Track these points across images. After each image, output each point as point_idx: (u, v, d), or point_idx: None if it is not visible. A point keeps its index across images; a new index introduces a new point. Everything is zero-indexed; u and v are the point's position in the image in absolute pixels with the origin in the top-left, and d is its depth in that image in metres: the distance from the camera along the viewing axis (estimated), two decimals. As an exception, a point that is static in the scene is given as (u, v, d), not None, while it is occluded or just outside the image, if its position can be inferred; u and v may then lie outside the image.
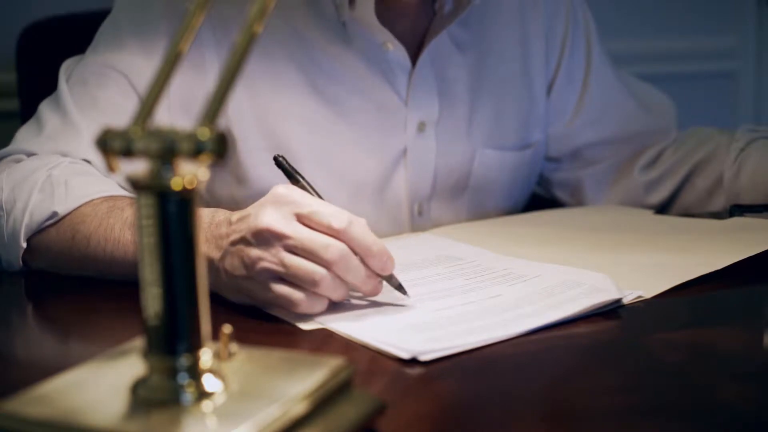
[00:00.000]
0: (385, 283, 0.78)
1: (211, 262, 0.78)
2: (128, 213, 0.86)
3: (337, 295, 0.75)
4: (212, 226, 0.79)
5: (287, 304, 0.75)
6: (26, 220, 0.89)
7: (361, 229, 0.75)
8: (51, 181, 0.90)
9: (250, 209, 0.77)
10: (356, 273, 0.75)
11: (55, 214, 0.88)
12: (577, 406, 0.60)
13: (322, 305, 0.76)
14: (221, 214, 0.80)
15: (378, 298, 0.79)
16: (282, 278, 0.74)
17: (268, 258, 0.74)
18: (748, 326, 0.74)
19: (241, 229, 0.76)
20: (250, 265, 0.75)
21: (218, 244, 0.78)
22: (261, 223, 0.74)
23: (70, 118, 0.98)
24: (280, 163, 0.83)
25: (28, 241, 0.90)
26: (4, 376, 0.67)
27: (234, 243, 0.76)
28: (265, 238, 0.74)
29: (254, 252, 0.74)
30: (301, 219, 0.75)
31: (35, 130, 0.99)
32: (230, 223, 0.77)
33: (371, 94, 1.06)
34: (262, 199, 0.76)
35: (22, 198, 0.90)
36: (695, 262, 0.85)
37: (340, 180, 1.05)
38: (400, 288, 0.79)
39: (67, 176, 0.91)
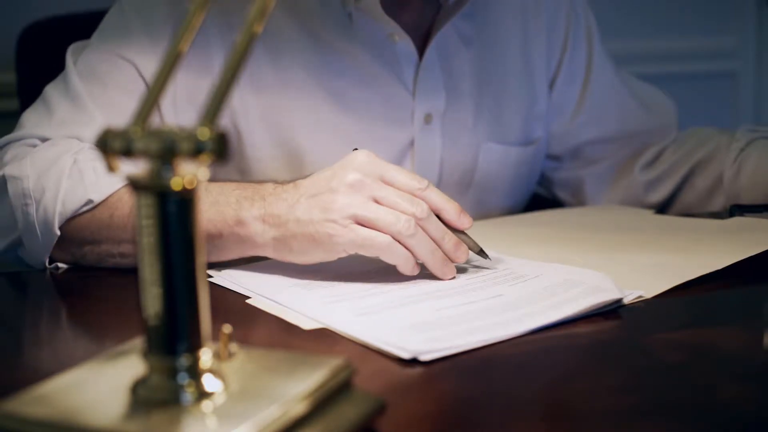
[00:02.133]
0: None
1: (274, 218, 0.82)
2: None
3: (419, 248, 0.81)
4: (258, 189, 0.85)
5: (373, 245, 0.80)
6: (59, 207, 0.89)
7: (436, 190, 0.83)
8: (79, 168, 0.90)
9: (326, 170, 0.83)
10: (436, 227, 0.82)
11: (90, 201, 0.89)
12: (577, 406, 0.60)
13: (405, 255, 0.81)
14: (267, 183, 0.86)
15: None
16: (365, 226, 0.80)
17: (357, 204, 0.80)
18: (748, 326, 0.74)
19: (321, 185, 0.82)
20: (337, 209, 0.80)
21: (283, 198, 0.83)
22: (352, 179, 0.81)
23: (81, 102, 0.98)
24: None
25: (60, 228, 0.89)
26: (4, 376, 0.67)
27: (313, 195, 0.81)
28: (354, 188, 0.80)
29: (341, 199, 0.80)
30: (384, 179, 0.82)
31: (45, 113, 0.99)
32: (295, 186, 0.84)
33: (378, 87, 1.07)
34: (343, 161, 0.83)
35: (50, 186, 0.89)
36: (695, 262, 0.85)
37: None
38: (481, 252, 0.85)
39: (94, 162, 0.91)
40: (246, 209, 0.84)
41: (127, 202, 0.89)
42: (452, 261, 0.84)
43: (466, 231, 0.85)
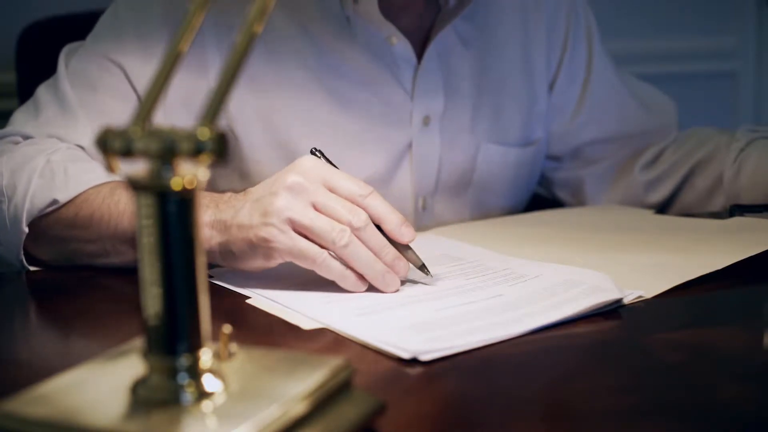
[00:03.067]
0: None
1: (221, 224, 0.81)
2: None
3: (354, 259, 0.78)
4: (215, 197, 0.84)
5: (306, 256, 0.78)
6: (27, 205, 0.90)
7: (379, 199, 0.81)
8: (51, 167, 0.91)
9: (273, 176, 0.81)
10: (374, 238, 0.79)
11: (55, 201, 0.90)
12: (577, 406, 0.60)
13: (339, 271, 0.79)
14: (227, 192, 0.85)
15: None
16: (303, 235, 0.78)
17: (295, 208, 0.78)
18: (748, 326, 0.74)
19: (263, 189, 0.80)
20: (274, 212, 0.78)
21: (232, 204, 0.82)
22: (291, 181, 0.79)
23: (68, 104, 0.99)
24: (315, 155, 0.85)
25: (30, 227, 0.91)
26: (4, 376, 0.67)
27: (256, 200, 0.80)
28: (293, 191, 0.78)
29: (279, 202, 0.78)
30: (328, 185, 0.79)
31: (33, 112, 1.00)
32: (245, 193, 0.82)
33: (376, 89, 1.07)
34: (288, 167, 0.81)
35: (22, 183, 0.91)
36: (695, 262, 0.85)
37: None
38: (422, 268, 0.82)
39: (66, 163, 0.92)
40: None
41: (92, 202, 0.89)
42: None
43: (409, 244, 0.82)
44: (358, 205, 0.80)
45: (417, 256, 0.83)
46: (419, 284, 0.82)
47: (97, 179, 0.90)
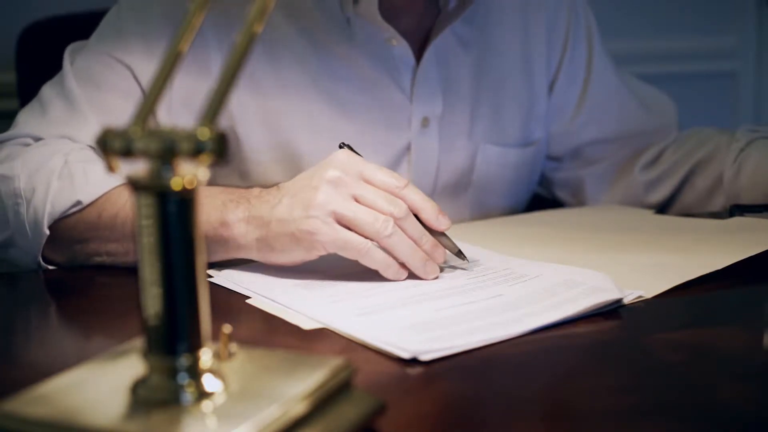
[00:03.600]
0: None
1: (257, 220, 0.83)
2: None
3: (398, 248, 0.81)
4: (243, 193, 0.85)
5: (351, 247, 0.80)
6: (48, 208, 0.90)
7: (415, 189, 0.83)
8: (69, 169, 0.91)
9: (308, 170, 0.84)
10: (414, 227, 0.82)
11: (79, 202, 0.90)
12: (577, 406, 0.60)
13: (384, 260, 0.81)
14: (254, 188, 0.87)
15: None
16: (345, 227, 0.80)
17: (337, 201, 0.80)
18: (748, 326, 0.74)
19: (301, 183, 0.82)
20: (317, 205, 0.80)
21: (266, 200, 0.83)
22: (331, 174, 0.81)
23: (76, 103, 0.98)
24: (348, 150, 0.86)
25: (50, 228, 0.90)
26: (4, 376, 0.67)
27: (294, 194, 0.82)
28: (334, 185, 0.80)
29: (321, 195, 0.80)
30: (364, 177, 0.82)
31: (39, 112, 0.99)
32: (278, 188, 0.84)
33: (375, 91, 1.07)
34: (324, 161, 0.83)
35: (41, 186, 0.90)
36: (695, 262, 0.85)
37: None
38: (459, 254, 0.85)
39: (85, 164, 0.92)
40: (231, 211, 0.84)
41: (114, 203, 0.90)
42: None
43: (445, 232, 0.85)
44: (396, 196, 0.82)
45: (453, 243, 0.85)
46: (419, 284, 0.82)
47: (119, 180, 0.90)
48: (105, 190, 0.90)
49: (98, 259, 0.92)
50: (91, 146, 0.96)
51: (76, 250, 0.92)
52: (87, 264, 0.93)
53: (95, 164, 0.92)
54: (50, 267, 0.93)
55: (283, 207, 0.82)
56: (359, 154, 0.86)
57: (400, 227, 0.81)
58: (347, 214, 0.80)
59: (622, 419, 0.57)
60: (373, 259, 0.81)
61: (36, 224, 0.90)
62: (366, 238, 0.81)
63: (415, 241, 0.82)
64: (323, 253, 0.82)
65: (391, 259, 0.82)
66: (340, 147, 0.86)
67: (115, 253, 0.91)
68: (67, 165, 0.91)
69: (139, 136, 0.48)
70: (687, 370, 0.65)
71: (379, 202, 0.81)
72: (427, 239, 0.83)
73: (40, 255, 0.92)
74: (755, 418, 0.57)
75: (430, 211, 0.83)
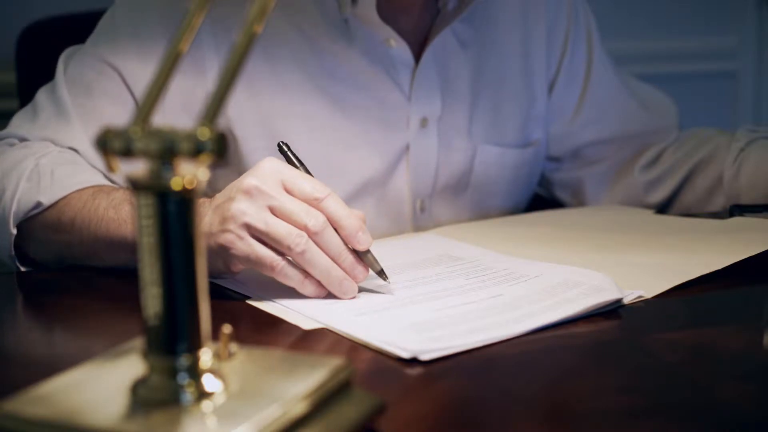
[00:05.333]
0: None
1: None
2: (114, 195, 0.89)
3: (311, 265, 0.76)
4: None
5: (264, 264, 0.76)
6: (14, 207, 0.92)
7: (337, 201, 0.78)
8: (38, 171, 0.92)
9: (234, 181, 0.79)
10: (332, 242, 0.77)
11: (39, 204, 0.91)
12: (577, 406, 0.60)
13: (297, 278, 0.77)
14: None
15: (361, 285, 0.80)
16: (261, 240, 0.76)
17: (251, 212, 0.76)
18: (748, 326, 0.74)
19: (223, 194, 0.78)
20: (231, 217, 0.76)
21: (202, 212, 0.79)
22: (248, 184, 0.76)
23: (63, 107, 1.00)
24: (283, 150, 0.83)
25: (20, 227, 0.92)
26: (4, 376, 0.67)
27: (216, 206, 0.78)
28: (249, 195, 0.76)
29: (235, 206, 0.76)
30: (285, 186, 0.77)
31: (30, 116, 1.02)
32: (211, 199, 0.80)
33: (374, 91, 1.07)
34: (251, 169, 0.79)
35: (11, 186, 0.92)
36: (695, 262, 0.85)
37: (343, 177, 1.06)
38: (381, 273, 0.79)
39: (54, 166, 0.93)
40: None
41: (73, 206, 0.90)
42: None
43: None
44: (315, 208, 0.77)
45: (376, 261, 0.79)
46: (419, 284, 0.82)
47: (81, 183, 0.91)
48: (66, 192, 0.90)
49: (69, 261, 0.93)
50: (73, 149, 0.97)
51: (48, 250, 0.94)
52: (68, 264, 0.94)
53: (65, 167, 0.93)
54: (23, 268, 0.95)
55: (206, 219, 0.78)
56: (297, 157, 0.82)
57: (316, 242, 0.76)
58: (260, 227, 0.75)
59: (622, 419, 0.57)
60: (287, 276, 0.77)
61: (3, 223, 0.93)
62: (281, 252, 0.77)
63: (333, 258, 0.77)
64: (243, 268, 0.79)
65: (306, 277, 0.77)
66: (279, 147, 0.83)
67: (80, 254, 0.92)
68: (37, 167, 0.93)
69: (139, 136, 0.48)
70: (687, 370, 0.65)
71: (295, 214, 0.76)
72: (346, 256, 0.77)
73: (11, 252, 0.93)
74: (755, 418, 0.57)
75: (349, 227, 0.77)
